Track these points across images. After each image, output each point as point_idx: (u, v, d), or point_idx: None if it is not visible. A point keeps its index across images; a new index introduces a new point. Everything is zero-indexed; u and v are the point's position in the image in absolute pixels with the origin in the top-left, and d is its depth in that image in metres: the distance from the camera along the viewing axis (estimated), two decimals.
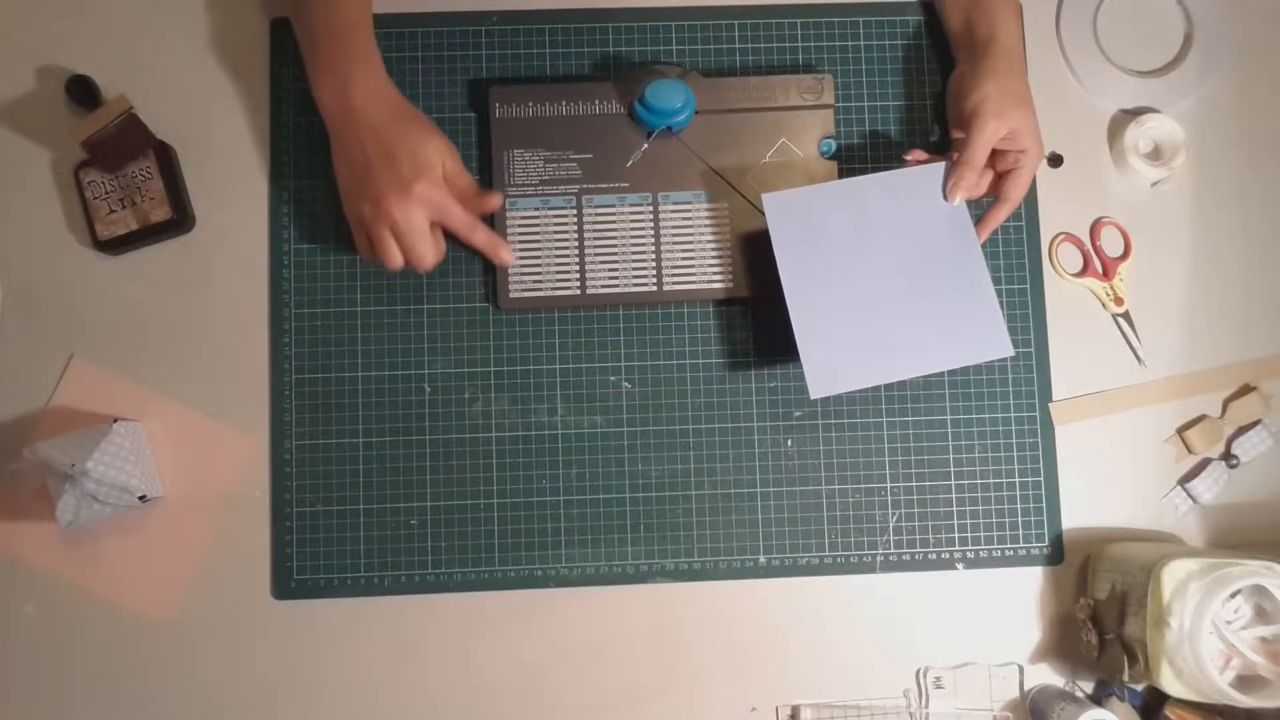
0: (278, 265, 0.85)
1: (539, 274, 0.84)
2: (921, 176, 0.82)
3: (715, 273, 0.84)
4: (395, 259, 0.78)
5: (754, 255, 0.84)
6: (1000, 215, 0.83)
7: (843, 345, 0.80)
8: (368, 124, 0.77)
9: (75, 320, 0.84)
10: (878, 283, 0.81)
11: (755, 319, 0.86)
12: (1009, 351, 0.81)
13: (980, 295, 0.81)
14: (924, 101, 0.88)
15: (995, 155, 0.82)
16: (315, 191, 0.86)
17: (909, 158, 0.83)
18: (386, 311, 0.85)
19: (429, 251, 0.78)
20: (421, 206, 0.76)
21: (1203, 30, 0.90)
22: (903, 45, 0.88)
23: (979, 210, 0.84)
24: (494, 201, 0.81)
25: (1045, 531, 0.85)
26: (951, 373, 0.86)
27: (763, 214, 0.82)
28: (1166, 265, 0.88)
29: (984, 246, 0.86)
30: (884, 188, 0.82)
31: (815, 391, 0.79)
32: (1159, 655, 0.75)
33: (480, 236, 0.80)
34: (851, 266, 0.81)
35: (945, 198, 0.82)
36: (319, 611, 0.83)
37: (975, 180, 0.81)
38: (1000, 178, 0.83)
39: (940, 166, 0.82)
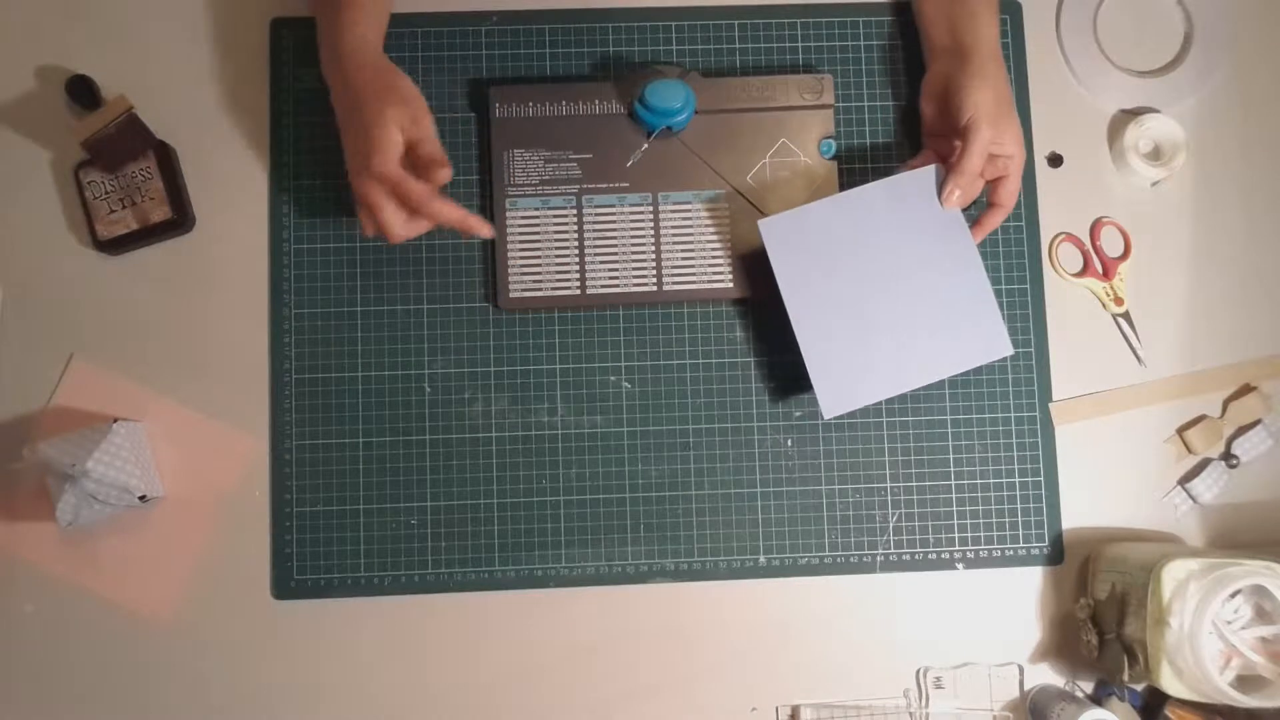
0: (278, 265, 0.85)
1: (539, 274, 0.84)
2: (913, 182, 0.82)
3: (715, 273, 0.84)
4: (368, 230, 0.76)
5: (754, 255, 0.84)
6: (996, 220, 0.83)
7: (851, 362, 0.80)
8: (337, 95, 0.78)
9: (75, 320, 0.84)
10: (879, 294, 0.81)
11: (755, 319, 0.86)
12: (1009, 350, 0.82)
13: (979, 297, 0.82)
14: None
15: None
16: (315, 191, 0.86)
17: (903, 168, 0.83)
18: (386, 311, 0.85)
19: (394, 223, 0.75)
20: (378, 183, 0.74)
21: (1203, 30, 0.90)
22: (903, 45, 0.88)
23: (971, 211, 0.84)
24: (442, 175, 0.75)
25: (1045, 531, 0.85)
26: None
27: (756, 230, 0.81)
28: (1166, 265, 0.88)
29: (982, 246, 0.87)
30: (877, 197, 0.82)
31: (828, 411, 0.80)
32: (1159, 655, 0.75)
33: (445, 213, 0.75)
34: (852, 281, 0.81)
35: (941, 204, 0.82)
36: (319, 611, 0.83)
37: (971, 187, 0.81)
38: (990, 183, 0.83)
39: (930, 170, 0.82)
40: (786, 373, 0.85)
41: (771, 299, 0.81)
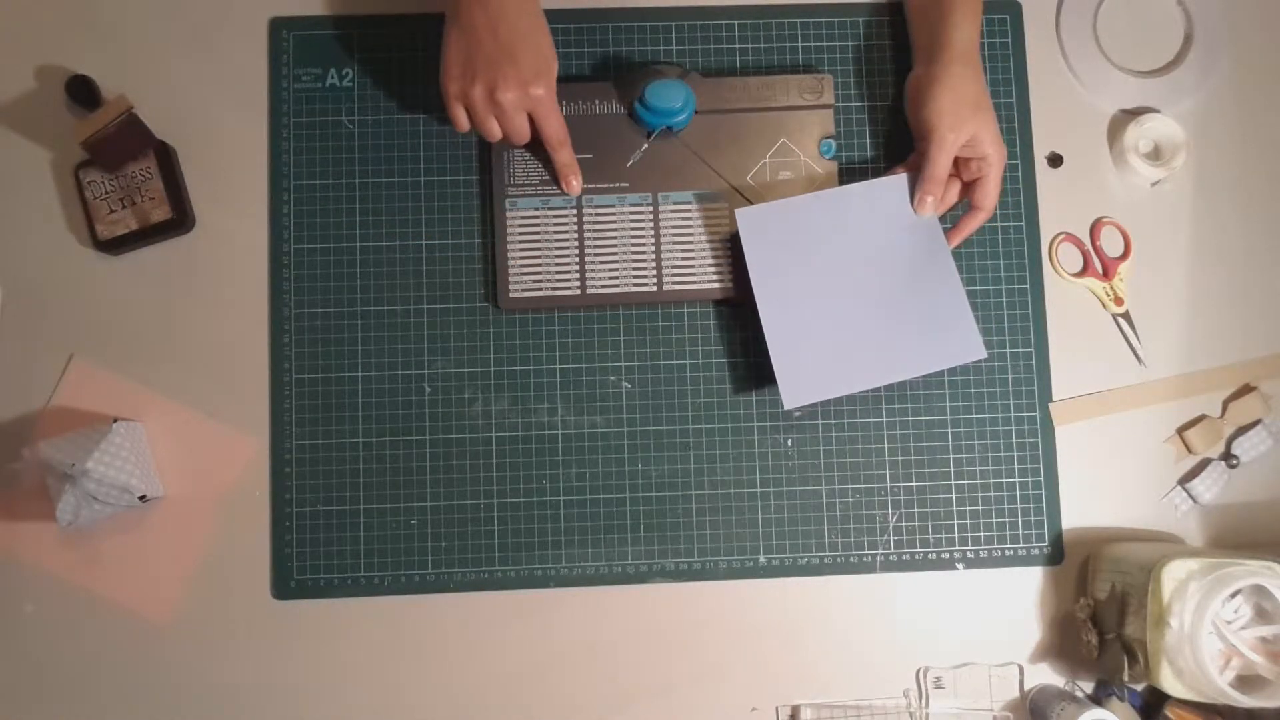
0: (278, 265, 0.85)
1: (539, 274, 0.84)
2: (889, 187, 0.83)
3: (715, 273, 0.84)
4: (496, 134, 0.79)
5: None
6: (975, 223, 0.83)
7: (815, 355, 0.81)
8: (499, 8, 0.75)
9: (75, 320, 0.84)
10: (850, 292, 0.82)
11: (755, 319, 0.85)
12: (982, 354, 0.82)
13: (952, 300, 0.82)
14: None
15: (959, 163, 0.82)
16: (315, 191, 0.86)
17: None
18: (386, 311, 0.85)
19: (526, 130, 0.79)
20: (531, 106, 0.77)
21: (1203, 30, 0.90)
22: (903, 45, 0.88)
23: (953, 214, 0.84)
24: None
25: (1045, 531, 0.85)
26: (951, 373, 0.86)
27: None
28: (1166, 265, 0.88)
29: (982, 246, 0.87)
30: (854, 199, 0.83)
31: (789, 402, 0.80)
32: (1159, 655, 0.75)
33: (564, 154, 0.81)
34: (824, 278, 0.82)
35: (914, 210, 0.82)
36: (319, 611, 0.83)
37: (941, 193, 0.82)
38: (968, 185, 0.83)
39: (904, 177, 0.82)
40: None
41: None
